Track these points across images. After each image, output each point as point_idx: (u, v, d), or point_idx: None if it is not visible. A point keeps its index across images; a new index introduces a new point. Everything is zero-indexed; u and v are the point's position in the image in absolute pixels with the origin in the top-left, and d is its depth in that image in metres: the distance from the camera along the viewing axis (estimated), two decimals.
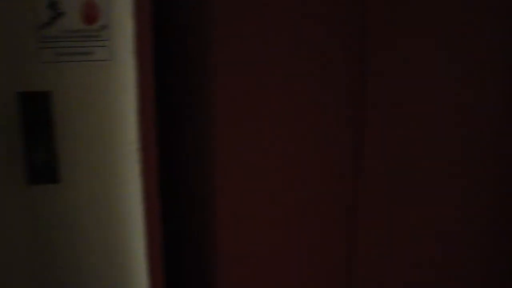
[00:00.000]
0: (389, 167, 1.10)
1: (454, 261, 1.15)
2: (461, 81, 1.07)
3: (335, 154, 1.09)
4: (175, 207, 1.08)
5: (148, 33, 0.94)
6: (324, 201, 1.11)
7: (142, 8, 0.93)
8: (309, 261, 1.15)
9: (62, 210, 1.01)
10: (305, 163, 1.09)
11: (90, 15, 0.96)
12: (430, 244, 1.14)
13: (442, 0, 1.02)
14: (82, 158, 0.99)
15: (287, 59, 1.04)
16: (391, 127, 1.08)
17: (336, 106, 1.07)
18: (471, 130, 1.09)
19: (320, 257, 1.14)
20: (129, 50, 0.95)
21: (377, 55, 1.04)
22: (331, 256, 1.15)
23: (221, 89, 1.04)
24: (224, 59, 1.03)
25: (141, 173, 0.98)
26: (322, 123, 1.08)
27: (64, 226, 1.02)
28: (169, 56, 1.03)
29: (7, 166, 0.97)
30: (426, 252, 1.15)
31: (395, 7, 1.02)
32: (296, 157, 1.09)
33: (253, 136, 1.07)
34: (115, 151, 0.99)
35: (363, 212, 1.11)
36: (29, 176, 0.99)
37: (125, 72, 0.96)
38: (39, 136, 0.98)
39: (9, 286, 0.99)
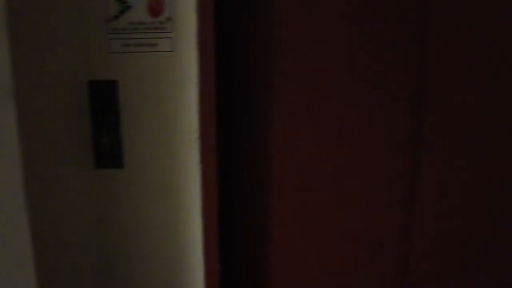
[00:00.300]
0: (450, 164, 1.08)
1: None
2: None
3: (393, 155, 1.09)
4: (231, 196, 1.12)
5: (211, 26, 0.97)
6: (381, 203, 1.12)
7: (206, 1, 0.97)
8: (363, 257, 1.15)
9: (125, 193, 1.07)
10: (361, 160, 1.10)
11: (156, 8, 1.00)
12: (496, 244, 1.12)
13: None
14: (145, 145, 1.04)
15: (347, 64, 1.05)
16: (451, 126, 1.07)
17: (395, 110, 1.07)
18: None
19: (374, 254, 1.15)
20: (192, 42, 0.99)
21: (439, 68, 1.03)
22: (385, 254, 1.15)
23: (281, 89, 1.07)
24: (285, 62, 1.05)
25: (200, 161, 1.02)
26: (380, 127, 1.08)
27: (126, 208, 1.08)
28: (231, 51, 1.05)
29: (77, 150, 1.03)
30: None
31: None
32: (351, 155, 1.10)
33: (311, 135, 1.09)
34: (176, 139, 1.04)
35: (419, 213, 1.11)
36: (95, 161, 1.05)
37: (188, 63, 1.00)
38: (106, 123, 1.04)
39: (77, 256, 1.05)
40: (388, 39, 1.03)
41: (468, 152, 1.07)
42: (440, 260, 1.13)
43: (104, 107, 1.03)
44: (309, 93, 1.07)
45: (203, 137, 1.01)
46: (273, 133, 1.09)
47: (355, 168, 1.10)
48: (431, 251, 1.12)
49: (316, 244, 1.14)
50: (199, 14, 0.97)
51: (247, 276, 1.18)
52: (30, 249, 0.90)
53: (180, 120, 1.03)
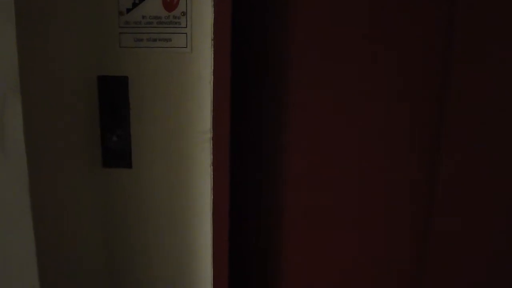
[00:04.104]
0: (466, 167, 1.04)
1: None
2: None
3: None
4: (241, 197, 1.08)
5: (227, 23, 0.92)
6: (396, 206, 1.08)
7: None
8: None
9: (132, 194, 1.03)
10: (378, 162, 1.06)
11: (171, 2, 0.95)
12: None
13: None
14: (155, 145, 1.00)
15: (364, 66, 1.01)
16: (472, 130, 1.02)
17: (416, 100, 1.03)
18: None
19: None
20: (207, 38, 0.94)
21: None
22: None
23: (298, 89, 1.03)
24: (305, 61, 1.01)
25: (212, 162, 0.98)
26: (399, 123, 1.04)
27: (133, 210, 1.04)
28: (246, 50, 1.01)
29: (84, 148, 0.99)
30: None
31: None
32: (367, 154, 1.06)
33: (326, 137, 1.05)
34: (188, 140, 0.99)
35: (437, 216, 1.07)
36: (103, 160, 1.02)
37: (202, 60, 0.96)
38: (115, 121, 1.00)
39: (81, 256, 1.02)
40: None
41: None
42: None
43: (113, 104, 0.99)
44: (327, 94, 1.02)
45: (216, 138, 0.97)
46: (288, 134, 1.05)
47: (373, 169, 1.06)
48: (448, 248, 1.09)
49: (330, 246, 1.11)
50: (216, 10, 0.92)
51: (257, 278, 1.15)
52: (34, 250, 0.87)
53: (192, 119, 0.98)
